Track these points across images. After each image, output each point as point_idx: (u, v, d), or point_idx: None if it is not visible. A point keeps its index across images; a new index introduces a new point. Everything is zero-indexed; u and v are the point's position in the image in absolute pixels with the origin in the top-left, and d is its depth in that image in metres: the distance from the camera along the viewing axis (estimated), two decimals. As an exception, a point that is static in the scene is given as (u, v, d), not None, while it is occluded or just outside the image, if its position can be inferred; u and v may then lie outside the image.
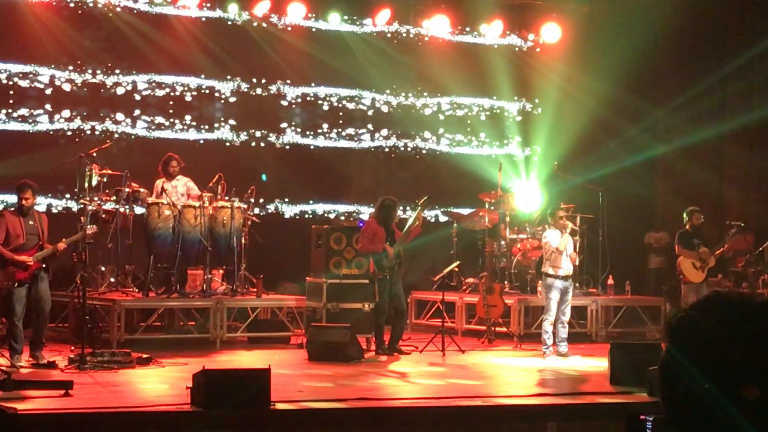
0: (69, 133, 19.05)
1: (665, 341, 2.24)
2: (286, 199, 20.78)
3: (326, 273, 16.17)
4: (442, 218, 21.29)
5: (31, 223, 13.59)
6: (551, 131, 22.33)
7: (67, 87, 19.11)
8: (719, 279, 18.34)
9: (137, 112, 19.67)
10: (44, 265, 13.59)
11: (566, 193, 19.24)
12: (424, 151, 22.07)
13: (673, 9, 21.29)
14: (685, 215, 17.19)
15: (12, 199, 17.81)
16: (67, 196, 18.58)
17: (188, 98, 20.09)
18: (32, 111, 18.89)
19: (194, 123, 20.14)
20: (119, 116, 19.52)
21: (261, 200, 19.55)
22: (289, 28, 20.73)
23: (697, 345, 2.16)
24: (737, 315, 2.17)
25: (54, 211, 18.52)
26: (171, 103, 19.95)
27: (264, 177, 20.42)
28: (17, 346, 13.40)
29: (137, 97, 19.68)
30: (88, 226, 13.96)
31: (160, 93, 19.86)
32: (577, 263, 16.06)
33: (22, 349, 13.44)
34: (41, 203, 18.33)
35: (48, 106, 18.98)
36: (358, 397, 11.28)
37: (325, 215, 20.97)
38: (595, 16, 21.81)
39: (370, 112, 21.68)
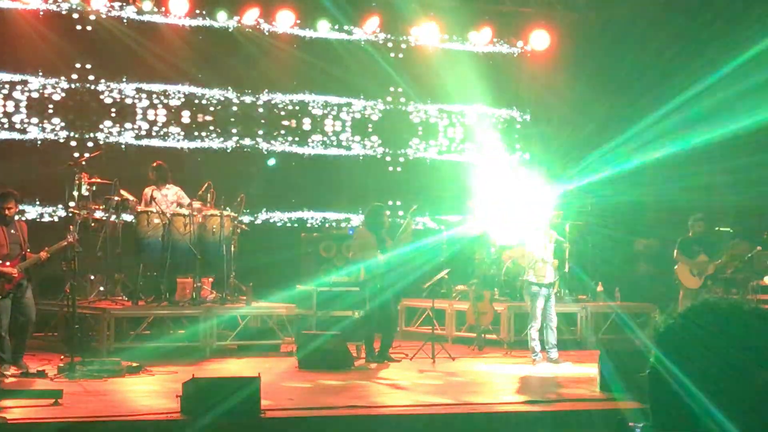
0: (58, 141, 19.02)
1: (654, 348, 2.25)
2: (276, 207, 20.77)
3: (316, 280, 16.15)
4: (432, 225, 21.28)
5: (13, 232, 13.55)
6: (540, 138, 22.37)
7: (56, 95, 19.10)
8: (709, 285, 18.35)
9: (126, 120, 19.65)
10: (27, 275, 13.56)
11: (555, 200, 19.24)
12: (413, 158, 22.09)
13: (660, 16, 21.36)
14: (689, 222, 17.26)
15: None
16: (55, 206, 18.53)
17: (177, 106, 20.08)
18: (21, 119, 18.86)
19: (184, 131, 20.12)
20: (108, 124, 19.51)
21: (252, 208, 19.55)
22: (278, 36, 20.74)
23: (685, 352, 2.17)
24: (725, 322, 2.17)
25: (44, 220, 18.50)
26: (160, 111, 19.93)
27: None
28: (4, 356, 13.38)
29: (126, 106, 19.66)
30: (69, 234, 13.88)
31: (149, 101, 19.85)
32: (557, 270, 15.99)
33: (10, 359, 13.41)
34: (31, 212, 18.34)
35: (37, 115, 18.96)
36: (348, 404, 11.28)
37: (310, 222, 20.96)
38: (584, 23, 21.87)
39: (359, 120, 21.69)
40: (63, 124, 19.13)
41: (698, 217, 17.22)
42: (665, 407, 2.19)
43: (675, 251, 17.19)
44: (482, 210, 18.88)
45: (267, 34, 20.63)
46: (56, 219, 18.51)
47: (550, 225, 15.82)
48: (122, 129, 19.61)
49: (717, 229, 18.15)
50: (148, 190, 16.99)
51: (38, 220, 18.42)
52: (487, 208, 18.88)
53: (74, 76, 19.23)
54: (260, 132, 20.82)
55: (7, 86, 18.81)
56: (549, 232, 15.70)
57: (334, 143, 21.47)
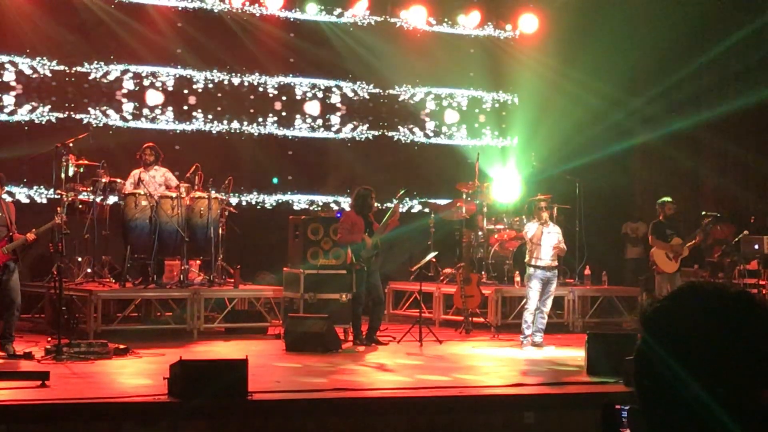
0: (45, 123, 18.95)
1: (640, 331, 2.25)
2: (264, 190, 20.75)
3: (304, 263, 16.16)
4: (420, 208, 21.29)
5: (-1, 214, 13.49)
6: (529, 122, 22.38)
7: (43, 77, 19.02)
8: (695, 269, 18.43)
9: (114, 102, 19.59)
10: (14, 256, 13.50)
11: (544, 184, 19.29)
12: (401, 142, 22.06)
13: (647, 1, 21.38)
14: (657, 206, 17.25)
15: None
16: (44, 188, 18.47)
17: (165, 88, 20.01)
18: (8, 101, 18.78)
19: (171, 113, 20.06)
20: (95, 106, 19.43)
21: (239, 190, 19.55)
22: (267, 18, 20.68)
23: (671, 335, 2.17)
24: (712, 305, 2.18)
25: (31, 201, 18.46)
26: (148, 93, 19.87)
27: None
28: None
29: (114, 87, 19.60)
30: (56, 215, 13.80)
31: (136, 83, 19.78)
32: (561, 254, 15.96)
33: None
34: (19, 194, 18.29)
35: (24, 96, 18.88)
36: (336, 387, 11.29)
37: (298, 204, 20.94)
38: (572, 6, 21.84)
39: (347, 103, 21.65)
40: (50, 105, 19.05)
41: (667, 200, 17.20)
42: (650, 390, 2.19)
43: (650, 236, 17.21)
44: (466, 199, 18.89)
45: (255, 16, 20.57)
46: (44, 201, 18.46)
47: (538, 207, 15.77)
48: (110, 111, 19.54)
49: (703, 213, 18.18)
50: (135, 172, 16.96)
51: (26, 201, 18.36)
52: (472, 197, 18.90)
53: (61, 57, 19.14)
54: (248, 114, 20.76)
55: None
56: (540, 214, 15.61)
57: (322, 126, 21.43)
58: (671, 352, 2.15)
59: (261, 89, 20.87)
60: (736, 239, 18.15)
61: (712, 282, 2.27)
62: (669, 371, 2.14)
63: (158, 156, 17.09)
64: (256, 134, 20.75)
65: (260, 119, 20.84)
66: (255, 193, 20.62)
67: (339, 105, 21.59)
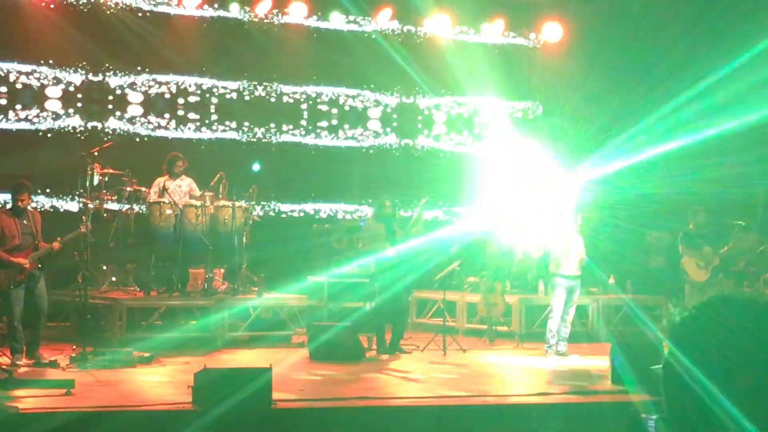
0: (70, 132, 19.04)
1: (668, 341, 2.24)
2: (288, 199, 20.77)
3: (327, 272, 16.16)
4: (443, 217, 21.27)
5: (25, 222, 13.51)
6: (552, 130, 22.34)
7: (68, 86, 19.11)
8: (720, 278, 18.32)
9: (139, 111, 19.66)
10: (40, 265, 13.56)
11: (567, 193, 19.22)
12: (425, 150, 22.06)
13: (672, 9, 21.30)
14: (689, 214, 17.18)
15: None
16: (68, 196, 18.55)
17: (189, 97, 20.08)
18: (33, 110, 18.88)
19: (195, 122, 20.13)
20: (120, 115, 19.51)
21: (264, 199, 19.58)
22: (291, 27, 20.73)
23: (700, 345, 2.17)
24: (742, 316, 2.17)
25: (56, 210, 18.54)
26: (172, 102, 19.94)
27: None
28: (17, 346, 13.40)
29: (139, 96, 19.67)
30: (81, 224, 13.86)
31: (161, 92, 19.85)
32: (583, 263, 15.92)
33: (22, 349, 13.44)
34: (46, 204, 18.38)
35: (49, 105, 18.97)
36: (359, 396, 11.30)
37: (322, 213, 20.96)
38: (597, 15, 21.80)
39: (371, 111, 21.67)
40: (74, 114, 19.14)
41: (699, 209, 17.16)
42: (679, 400, 2.19)
43: (680, 245, 17.13)
44: (490, 208, 18.88)
45: (279, 25, 20.62)
46: (69, 210, 18.53)
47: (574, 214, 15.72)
48: (134, 119, 19.62)
49: (730, 222, 18.09)
50: (160, 180, 16.99)
51: (51, 210, 18.44)
52: (495, 206, 18.87)
53: (86, 66, 19.23)
54: (272, 123, 20.81)
55: (20, 76, 18.83)
56: (571, 222, 15.57)
57: (346, 135, 21.45)
58: (700, 361, 2.14)
59: (285, 98, 20.92)
60: (761, 248, 18.05)
61: (741, 292, 2.26)
62: (697, 381, 2.14)
63: (179, 166, 17.13)
64: (280, 143, 20.78)
65: (284, 128, 20.87)
66: (279, 201, 20.64)
67: (362, 113, 21.60)
